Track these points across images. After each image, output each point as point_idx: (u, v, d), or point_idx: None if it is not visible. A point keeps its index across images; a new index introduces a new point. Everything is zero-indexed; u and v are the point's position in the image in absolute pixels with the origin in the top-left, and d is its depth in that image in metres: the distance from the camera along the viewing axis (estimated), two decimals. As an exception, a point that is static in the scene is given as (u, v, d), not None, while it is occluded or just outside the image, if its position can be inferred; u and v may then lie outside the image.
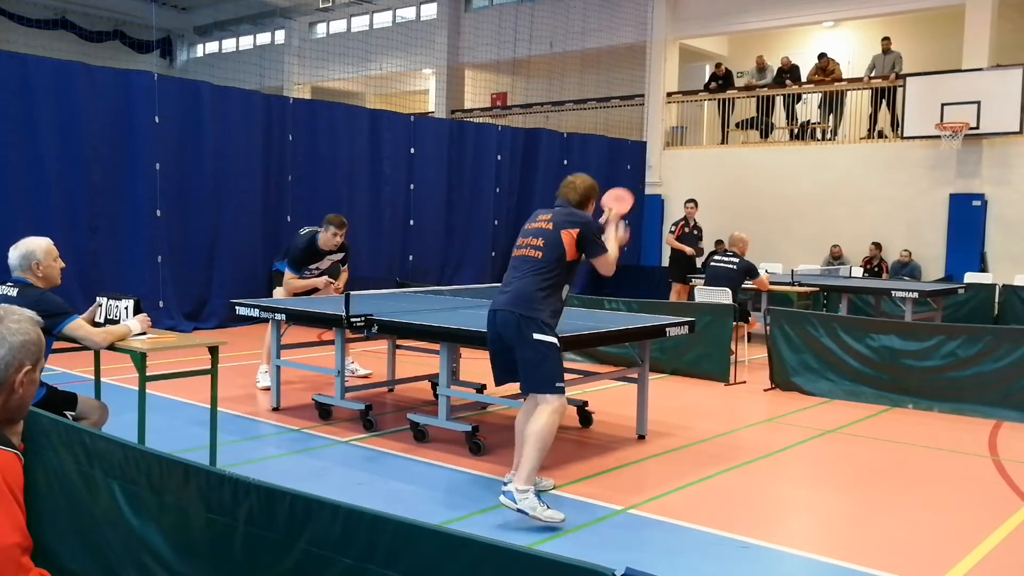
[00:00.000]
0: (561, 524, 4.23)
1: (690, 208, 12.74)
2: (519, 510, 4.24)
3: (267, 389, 7.33)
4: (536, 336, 4.44)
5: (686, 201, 12.94)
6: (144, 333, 4.64)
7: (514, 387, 6.69)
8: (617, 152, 16.85)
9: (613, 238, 4.79)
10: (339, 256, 7.75)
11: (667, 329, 5.97)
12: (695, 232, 12.73)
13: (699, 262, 13.04)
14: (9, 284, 4.30)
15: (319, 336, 8.39)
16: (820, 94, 16.46)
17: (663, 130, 17.95)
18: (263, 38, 25.49)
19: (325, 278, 7.70)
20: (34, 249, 4.32)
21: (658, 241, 17.58)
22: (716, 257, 10.25)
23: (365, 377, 7.78)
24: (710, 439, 6.13)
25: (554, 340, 4.49)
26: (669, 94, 17.99)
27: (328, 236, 7.49)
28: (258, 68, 21.45)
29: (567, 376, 6.47)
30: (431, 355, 6.61)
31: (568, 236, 4.51)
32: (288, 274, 7.61)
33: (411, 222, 13.59)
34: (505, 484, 4.46)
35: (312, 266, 7.66)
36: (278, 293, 7.76)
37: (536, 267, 4.53)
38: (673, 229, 12.71)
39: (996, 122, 13.63)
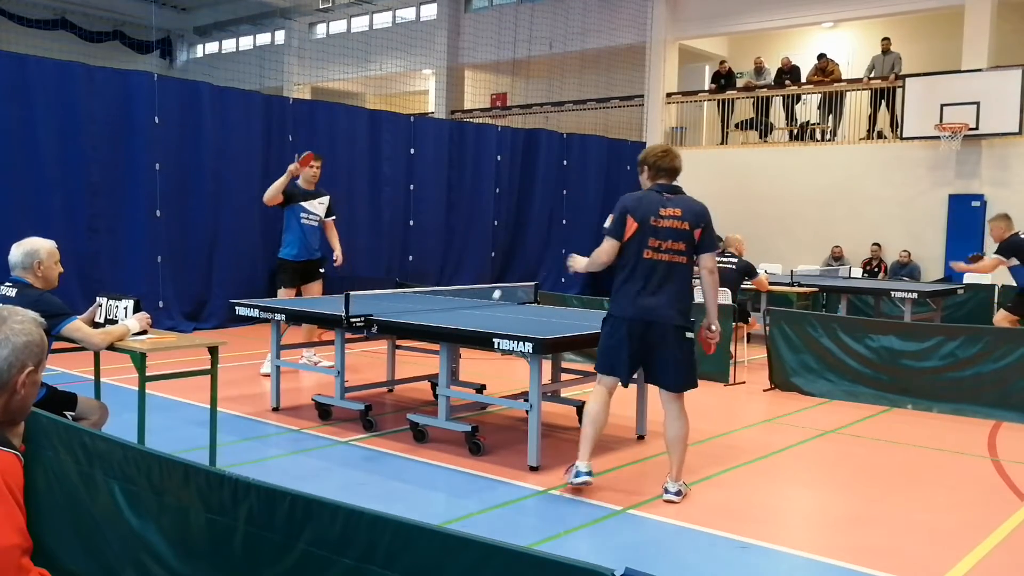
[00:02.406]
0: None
1: None
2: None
3: (267, 375, 7.37)
4: (688, 335, 4.63)
5: None
6: (144, 333, 4.64)
7: (516, 388, 6.70)
8: (617, 153, 16.84)
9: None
10: (325, 200, 8.14)
11: (667, 329, 5.97)
12: None
13: None
14: (8, 284, 4.30)
15: (318, 336, 8.38)
16: (819, 95, 16.47)
17: (663, 131, 17.95)
18: (263, 38, 25.49)
19: (295, 165, 7.97)
20: (38, 248, 4.32)
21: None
22: (715, 258, 10.25)
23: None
24: (709, 439, 6.13)
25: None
26: (669, 95, 17.99)
27: (304, 169, 7.91)
28: (258, 68, 21.44)
29: (566, 376, 6.54)
30: (431, 355, 6.61)
31: (696, 235, 4.63)
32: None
33: (411, 222, 13.59)
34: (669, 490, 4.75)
35: (304, 205, 8.01)
36: (282, 294, 7.82)
37: (685, 274, 4.63)
38: None
39: (995, 123, 13.63)
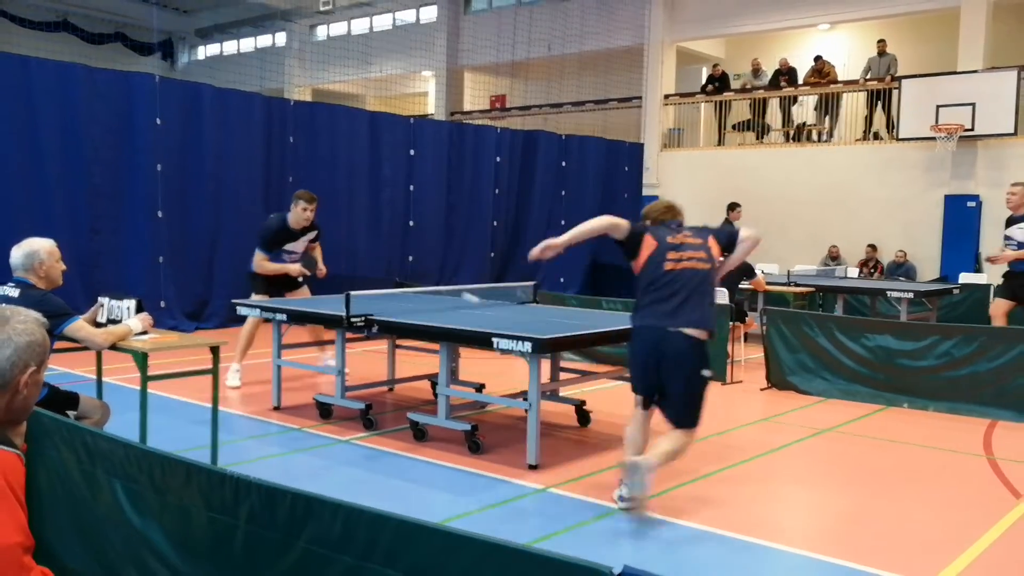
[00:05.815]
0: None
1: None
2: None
3: (236, 388, 7.32)
4: (704, 372, 4.46)
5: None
6: (146, 332, 4.67)
7: (515, 387, 6.72)
8: (615, 154, 16.88)
9: None
10: (312, 235, 7.60)
11: (664, 330, 5.98)
12: None
13: None
14: (10, 285, 4.32)
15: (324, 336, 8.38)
16: (816, 96, 16.51)
17: (660, 132, 18.00)
18: (264, 41, 25.52)
19: (298, 266, 7.51)
20: (38, 249, 4.35)
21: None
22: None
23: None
24: (707, 438, 6.15)
25: (711, 374, 4.54)
26: (666, 96, 18.04)
27: (298, 212, 7.33)
28: (259, 70, 21.47)
29: (564, 376, 6.57)
30: (431, 355, 6.64)
31: (713, 243, 4.64)
32: (259, 255, 7.36)
33: (411, 223, 13.62)
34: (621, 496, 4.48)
35: (287, 247, 7.47)
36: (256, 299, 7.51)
37: (708, 279, 4.52)
38: None
39: (991, 124, 13.67)
